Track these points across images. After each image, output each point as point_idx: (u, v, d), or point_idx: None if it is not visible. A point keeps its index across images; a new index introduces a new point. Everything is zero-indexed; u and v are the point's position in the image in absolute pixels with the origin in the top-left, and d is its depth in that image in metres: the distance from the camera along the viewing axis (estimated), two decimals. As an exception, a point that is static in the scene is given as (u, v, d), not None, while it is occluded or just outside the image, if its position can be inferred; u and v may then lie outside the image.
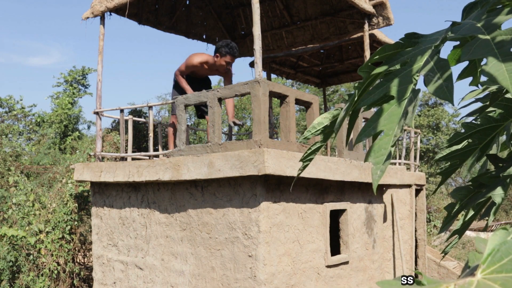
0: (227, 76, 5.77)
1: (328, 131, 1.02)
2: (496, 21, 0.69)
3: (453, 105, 0.69)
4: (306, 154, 1.06)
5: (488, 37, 0.67)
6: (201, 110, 6.02)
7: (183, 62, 5.67)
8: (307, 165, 1.07)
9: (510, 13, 0.69)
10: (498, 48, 0.65)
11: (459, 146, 1.14)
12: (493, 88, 1.08)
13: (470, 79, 0.83)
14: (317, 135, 1.05)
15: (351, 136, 5.80)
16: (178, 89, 5.82)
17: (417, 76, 0.73)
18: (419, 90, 0.74)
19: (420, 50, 0.74)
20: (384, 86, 0.76)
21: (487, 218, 1.13)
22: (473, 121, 1.14)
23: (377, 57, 0.80)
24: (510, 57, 0.63)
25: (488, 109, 1.13)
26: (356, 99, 0.85)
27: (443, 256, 1.28)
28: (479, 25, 0.70)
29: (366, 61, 0.82)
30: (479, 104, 1.16)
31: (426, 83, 0.70)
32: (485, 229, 1.27)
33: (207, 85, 6.03)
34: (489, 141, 1.09)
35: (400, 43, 0.79)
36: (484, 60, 0.66)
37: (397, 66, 0.77)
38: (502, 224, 19.69)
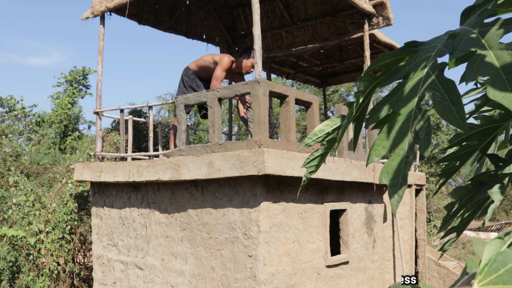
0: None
1: (330, 139, 1.02)
2: (494, 33, 0.68)
3: (466, 132, 0.67)
4: (308, 160, 1.06)
5: (490, 52, 0.66)
6: (204, 110, 5.99)
7: (217, 68, 5.38)
8: (313, 171, 1.06)
9: (503, 26, 0.69)
10: (500, 65, 0.64)
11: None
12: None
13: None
14: (319, 142, 1.05)
15: (351, 135, 5.80)
16: (185, 89, 5.80)
17: (420, 93, 0.71)
18: (426, 110, 0.72)
19: (419, 61, 0.74)
20: (389, 101, 0.75)
21: (483, 217, 1.13)
22: (473, 122, 1.14)
23: (377, 65, 0.80)
24: None
25: (487, 108, 1.13)
26: (357, 108, 0.84)
27: (441, 255, 1.28)
28: (476, 33, 0.69)
29: (366, 69, 0.82)
30: (476, 103, 1.16)
31: (437, 108, 0.68)
32: (481, 226, 1.27)
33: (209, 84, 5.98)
34: (489, 142, 1.09)
35: (399, 51, 0.78)
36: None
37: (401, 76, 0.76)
38: (502, 224, 19.68)
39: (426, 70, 0.72)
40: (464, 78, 0.70)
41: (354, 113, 0.85)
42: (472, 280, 0.52)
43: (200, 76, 5.81)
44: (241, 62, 5.53)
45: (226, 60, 5.39)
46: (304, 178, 1.08)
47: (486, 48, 0.68)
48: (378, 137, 0.78)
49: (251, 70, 5.54)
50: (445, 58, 0.73)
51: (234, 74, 5.73)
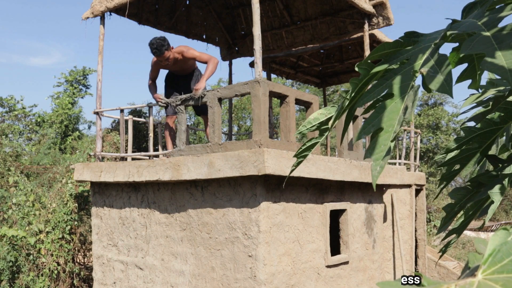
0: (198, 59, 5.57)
1: (324, 128, 1.02)
2: (496, 17, 0.69)
3: (452, 97, 0.70)
4: (300, 149, 1.06)
5: (488, 33, 0.68)
6: (197, 108, 5.98)
7: None
8: (301, 161, 1.07)
9: (508, 11, 0.70)
10: (498, 43, 0.66)
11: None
12: (493, 91, 1.09)
13: (469, 82, 0.83)
14: (313, 131, 1.04)
15: (351, 135, 5.80)
16: (166, 91, 5.86)
17: (417, 73, 0.73)
18: (418, 86, 0.74)
19: (420, 48, 0.74)
20: (384, 84, 0.76)
21: (484, 217, 1.13)
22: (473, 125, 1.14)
23: (376, 54, 0.80)
24: (510, 51, 0.64)
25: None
26: (352, 95, 0.85)
27: (441, 256, 1.28)
28: (479, 23, 0.70)
29: (365, 58, 0.82)
30: (479, 108, 1.16)
31: (427, 81, 0.71)
32: (481, 227, 1.28)
33: (190, 78, 5.90)
34: (489, 144, 1.09)
35: (399, 41, 0.79)
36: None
37: (396, 65, 0.77)
38: (502, 224, 19.68)
39: (425, 56, 0.73)
40: (460, 53, 0.72)
41: (349, 100, 0.86)
42: (476, 271, 0.53)
43: (174, 74, 5.88)
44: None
45: (152, 60, 5.60)
46: (293, 167, 1.09)
47: (485, 31, 0.69)
48: (369, 116, 0.79)
49: (163, 64, 5.47)
50: (445, 48, 0.75)
51: (176, 64, 5.63)
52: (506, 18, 0.72)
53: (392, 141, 0.75)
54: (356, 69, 0.84)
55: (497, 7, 0.73)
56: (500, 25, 0.70)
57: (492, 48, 0.66)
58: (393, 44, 0.80)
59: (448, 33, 0.73)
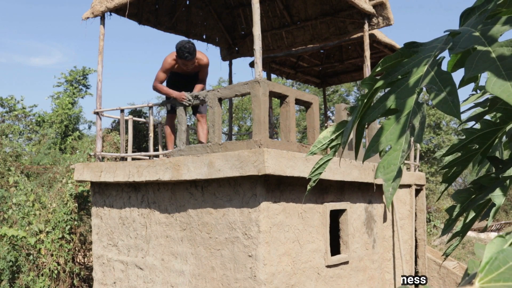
0: (201, 73, 5.63)
1: (335, 145, 1.03)
2: (495, 31, 0.69)
3: (460, 120, 0.68)
4: (314, 169, 1.07)
5: (489, 48, 0.67)
6: (195, 108, 5.95)
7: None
8: (316, 180, 1.08)
9: (507, 23, 0.69)
10: (500, 61, 0.64)
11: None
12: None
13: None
14: (324, 150, 1.06)
15: (351, 135, 5.79)
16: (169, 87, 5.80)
17: (419, 88, 0.72)
18: (423, 103, 0.73)
19: (418, 60, 0.74)
20: (386, 99, 0.76)
21: (487, 219, 1.14)
22: (473, 127, 1.14)
23: (379, 69, 0.80)
24: None
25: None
26: (360, 112, 0.85)
27: (445, 259, 1.29)
28: (477, 33, 0.69)
29: (370, 73, 0.83)
30: (478, 108, 1.16)
31: (430, 97, 0.69)
32: (484, 230, 1.28)
33: (194, 78, 5.85)
34: (489, 145, 1.09)
35: (400, 53, 0.79)
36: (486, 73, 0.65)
37: (398, 78, 0.76)
38: (502, 224, 19.68)
39: (426, 67, 0.72)
40: (464, 76, 0.70)
41: (357, 117, 0.86)
42: (473, 279, 0.53)
43: (179, 74, 5.81)
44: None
45: (166, 61, 5.43)
46: (308, 187, 1.11)
47: (486, 45, 0.68)
48: (376, 133, 0.78)
49: (185, 68, 5.42)
50: (445, 55, 0.74)
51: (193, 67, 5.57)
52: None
53: (402, 163, 0.74)
54: (362, 85, 0.84)
55: (497, 9, 0.73)
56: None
57: (494, 67, 0.64)
58: (394, 56, 0.80)
59: (449, 47, 0.72)
